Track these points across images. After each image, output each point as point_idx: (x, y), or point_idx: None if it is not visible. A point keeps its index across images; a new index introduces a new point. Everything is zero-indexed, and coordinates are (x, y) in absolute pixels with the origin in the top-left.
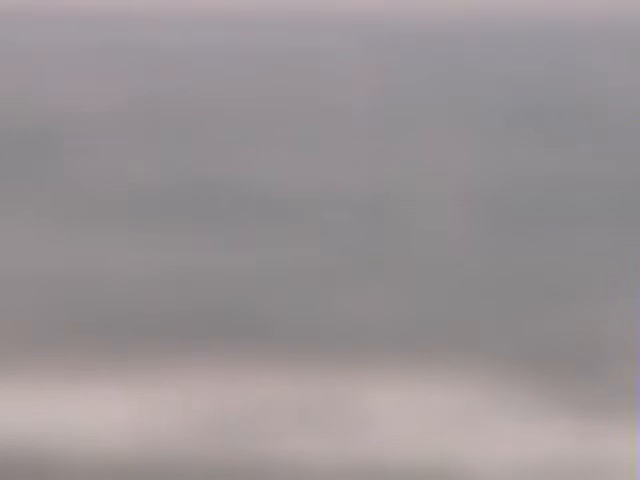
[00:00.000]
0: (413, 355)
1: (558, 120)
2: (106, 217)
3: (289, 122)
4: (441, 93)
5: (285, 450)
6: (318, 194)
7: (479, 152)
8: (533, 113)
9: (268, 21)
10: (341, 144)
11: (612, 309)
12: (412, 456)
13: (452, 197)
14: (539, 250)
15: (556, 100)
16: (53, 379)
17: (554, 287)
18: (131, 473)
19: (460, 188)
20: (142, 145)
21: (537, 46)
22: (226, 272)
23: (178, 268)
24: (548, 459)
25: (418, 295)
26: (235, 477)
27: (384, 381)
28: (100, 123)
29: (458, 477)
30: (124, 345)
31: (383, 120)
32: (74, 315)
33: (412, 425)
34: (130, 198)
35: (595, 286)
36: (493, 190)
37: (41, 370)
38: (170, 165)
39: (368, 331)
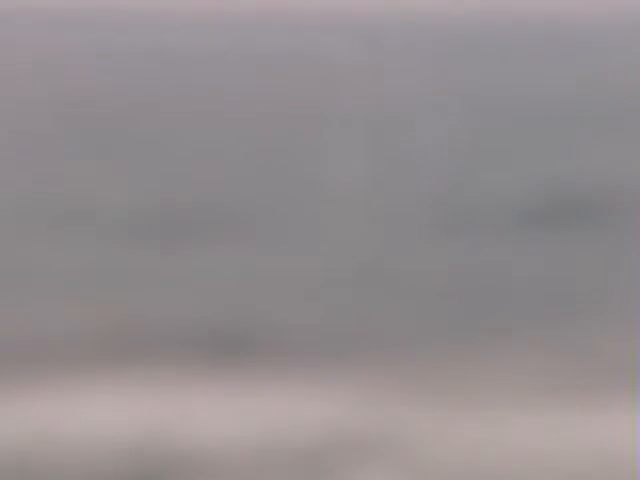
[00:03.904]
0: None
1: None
2: (102, 223)
3: (289, 123)
4: (440, 92)
5: None
6: (307, 194)
7: (474, 152)
8: (530, 112)
9: (268, 22)
10: (338, 144)
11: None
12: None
13: (435, 199)
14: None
15: (552, 99)
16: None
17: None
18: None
19: (447, 189)
20: (139, 148)
21: (535, 46)
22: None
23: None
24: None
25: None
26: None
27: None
28: (100, 124)
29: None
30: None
31: (381, 120)
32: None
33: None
34: (129, 206)
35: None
36: (486, 193)
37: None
38: (168, 170)
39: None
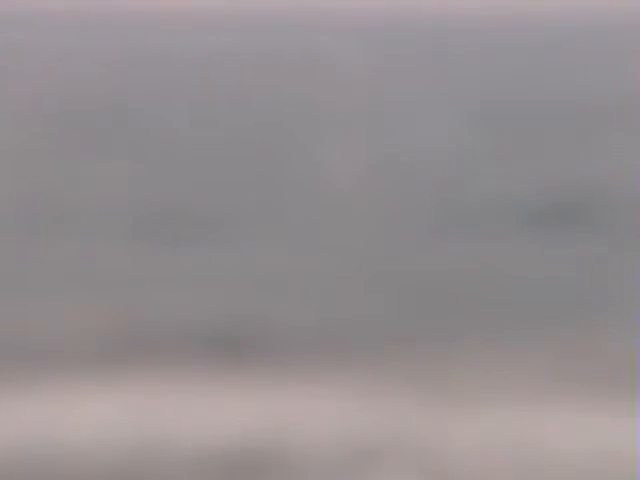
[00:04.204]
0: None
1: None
2: (101, 224)
3: (288, 124)
4: (440, 92)
5: None
6: (303, 194)
7: (473, 153)
8: (529, 112)
9: (267, 23)
10: (338, 145)
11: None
12: None
13: (433, 198)
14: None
15: (551, 99)
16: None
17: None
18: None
19: (446, 189)
20: (138, 149)
21: (536, 46)
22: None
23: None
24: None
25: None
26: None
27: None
28: (98, 123)
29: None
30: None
31: (381, 120)
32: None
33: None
34: (128, 207)
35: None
36: (487, 194)
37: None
38: (170, 167)
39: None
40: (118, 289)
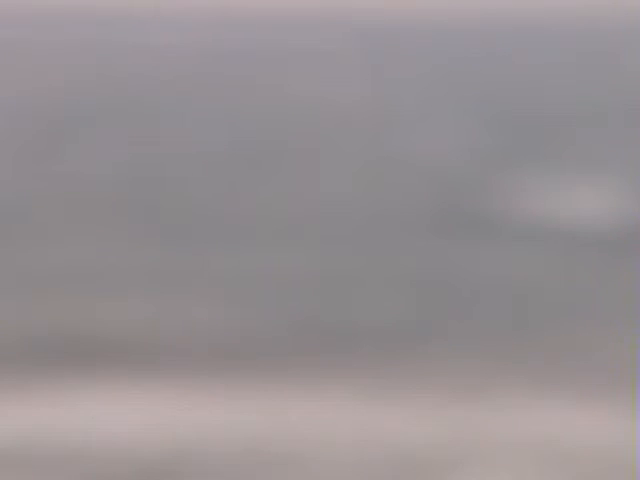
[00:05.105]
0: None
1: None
2: (99, 221)
3: (287, 122)
4: (439, 92)
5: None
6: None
7: (474, 153)
8: (531, 113)
9: (266, 20)
10: (337, 145)
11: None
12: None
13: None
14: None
15: (552, 101)
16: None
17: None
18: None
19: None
20: (135, 146)
21: (536, 45)
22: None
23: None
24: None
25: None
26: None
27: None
28: (93, 120)
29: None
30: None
31: (380, 119)
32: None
33: None
34: (126, 205)
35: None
36: (478, 197)
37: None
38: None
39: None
40: (117, 289)
